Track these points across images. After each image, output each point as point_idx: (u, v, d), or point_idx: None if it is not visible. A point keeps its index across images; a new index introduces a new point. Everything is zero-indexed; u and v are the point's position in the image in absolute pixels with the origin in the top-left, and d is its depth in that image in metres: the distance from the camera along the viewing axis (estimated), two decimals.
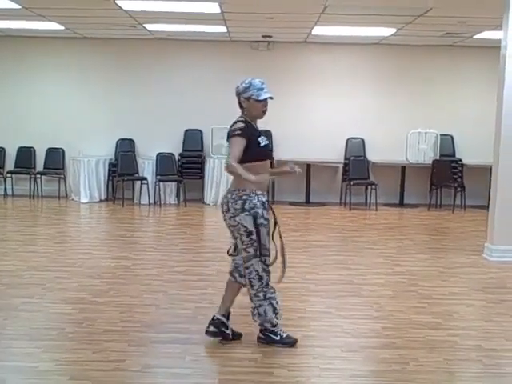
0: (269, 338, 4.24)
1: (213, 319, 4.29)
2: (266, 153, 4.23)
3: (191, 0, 7.55)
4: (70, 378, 3.69)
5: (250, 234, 4.11)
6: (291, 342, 4.24)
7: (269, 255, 4.20)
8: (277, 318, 4.24)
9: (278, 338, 4.24)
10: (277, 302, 4.24)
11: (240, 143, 4.02)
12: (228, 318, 4.32)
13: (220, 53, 11.10)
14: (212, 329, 4.26)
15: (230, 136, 4.12)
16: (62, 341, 4.28)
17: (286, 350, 4.17)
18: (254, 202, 4.09)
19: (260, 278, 4.17)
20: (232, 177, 4.24)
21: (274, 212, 4.29)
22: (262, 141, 4.20)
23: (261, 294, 4.18)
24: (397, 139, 10.78)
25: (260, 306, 4.19)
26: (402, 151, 10.75)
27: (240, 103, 4.25)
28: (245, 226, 4.11)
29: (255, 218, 4.08)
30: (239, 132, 4.06)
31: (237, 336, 4.35)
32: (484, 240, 7.26)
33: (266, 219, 4.15)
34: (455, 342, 4.39)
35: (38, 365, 3.87)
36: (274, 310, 4.22)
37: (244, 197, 4.10)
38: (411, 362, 4.03)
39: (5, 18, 9.19)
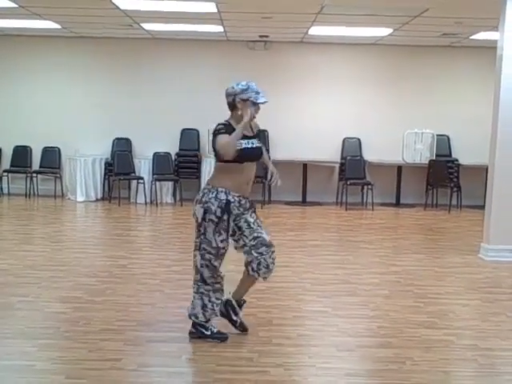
0: (198, 331, 4.28)
1: (226, 302, 4.34)
2: (244, 155, 4.19)
3: (188, 0, 7.55)
4: (66, 376, 3.69)
5: (199, 225, 4.27)
6: (222, 338, 4.27)
7: (213, 254, 4.22)
8: (205, 316, 4.25)
9: (208, 332, 4.27)
10: (210, 301, 4.24)
11: (224, 137, 4.11)
12: (241, 307, 4.39)
13: (217, 52, 11.10)
14: (222, 309, 4.33)
15: (214, 136, 4.23)
16: (58, 340, 4.28)
17: (282, 350, 4.17)
18: (210, 196, 4.19)
19: (197, 271, 4.28)
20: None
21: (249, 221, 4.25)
22: (246, 144, 4.21)
23: (195, 287, 4.30)
24: (393, 139, 10.79)
25: (193, 297, 4.30)
26: (399, 151, 10.77)
27: (234, 104, 4.28)
28: (196, 216, 4.28)
29: (205, 212, 4.19)
30: (223, 130, 4.17)
31: (241, 328, 4.39)
32: (480, 240, 7.28)
33: (218, 217, 4.16)
34: (451, 342, 4.40)
35: (34, 363, 3.86)
36: (203, 307, 4.24)
37: (205, 190, 4.26)
38: (407, 361, 4.04)
39: (1, 17, 9.18)
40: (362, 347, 4.28)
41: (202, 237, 4.26)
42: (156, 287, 5.58)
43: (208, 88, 10.97)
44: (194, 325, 4.30)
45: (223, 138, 4.11)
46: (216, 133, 4.19)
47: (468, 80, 11.15)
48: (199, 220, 4.25)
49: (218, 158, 4.22)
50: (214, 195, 4.19)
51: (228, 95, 4.32)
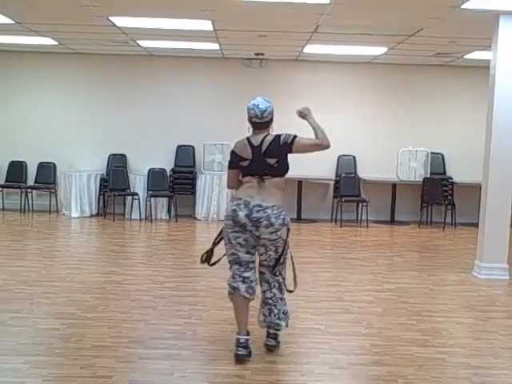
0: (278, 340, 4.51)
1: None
2: None
3: (184, 17, 7.60)
4: None
5: (284, 243, 4.38)
6: None
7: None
8: None
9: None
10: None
11: None
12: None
13: (212, 70, 11.16)
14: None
15: (294, 137, 4.81)
16: (50, 356, 4.26)
17: (274, 367, 4.16)
18: (286, 215, 4.38)
19: (283, 279, 4.57)
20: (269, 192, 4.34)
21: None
22: None
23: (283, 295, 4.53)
24: (388, 157, 10.83)
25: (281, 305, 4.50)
26: (393, 169, 10.81)
27: (272, 120, 4.76)
28: (281, 238, 4.34)
29: (289, 230, 4.42)
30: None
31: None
32: (474, 258, 7.29)
33: None
34: (443, 360, 4.40)
35: (25, 380, 3.84)
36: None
37: (281, 211, 4.33)
38: (399, 379, 4.03)
39: None
40: (354, 365, 4.27)
41: (288, 250, 4.48)
42: (149, 303, 5.57)
43: (204, 105, 11.03)
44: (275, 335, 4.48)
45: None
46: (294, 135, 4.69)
47: (462, 99, 11.22)
48: (284, 239, 4.37)
49: (283, 173, 4.50)
50: (285, 213, 4.36)
51: (270, 113, 4.77)
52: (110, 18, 7.72)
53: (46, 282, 6.23)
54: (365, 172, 11.10)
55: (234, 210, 4.23)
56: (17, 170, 11.07)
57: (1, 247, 8.29)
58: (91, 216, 10.71)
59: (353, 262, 7.85)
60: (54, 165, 11.10)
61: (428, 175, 10.83)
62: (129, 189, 10.74)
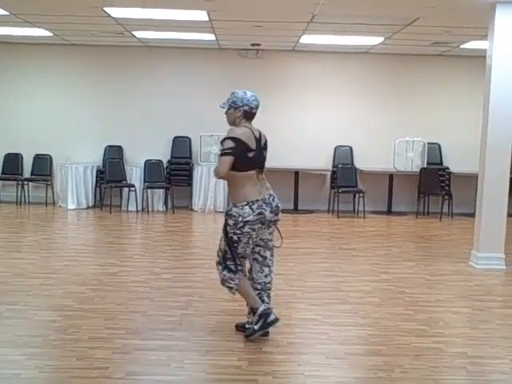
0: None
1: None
2: None
3: (179, 8, 7.57)
4: None
5: None
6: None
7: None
8: None
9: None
10: None
11: None
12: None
13: (209, 60, 11.12)
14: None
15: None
16: (47, 348, 4.26)
17: (271, 358, 4.16)
18: None
19: None
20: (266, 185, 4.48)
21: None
22: None
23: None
24: (384, 147, 10.83)
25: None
26: (390, 159, 10.80)
27: None
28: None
29: None
30: None
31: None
32: (470, 247, 7.30)
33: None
34: (440, 349, 4.40)
35: (21, 372, 3.84)
36: None
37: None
38: (396, 369, 4.03)
39: None
40: (351, 355, 4.27)
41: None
42: (146, 295, 5.56)
43: (200, 96, 10.99)
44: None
45: None
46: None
47: (458, 88, 11.20)
48: None
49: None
50: None
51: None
52: (104, 8, 7.68)
53: (43, 273, 6.22)
54: (362, 163, 11.09)
55: (261, 213, 4.29)
56: (13, 162, 11.04)
57: None
58: (88, 208, 10.69)
59: (350, 252, 7.85)
60: (51, 157, 11.07)
61: (425, 165, 10.83)
62: (125, 180, 10.72)
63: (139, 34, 9.67)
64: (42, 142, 11.02)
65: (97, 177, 10.94)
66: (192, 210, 10.82)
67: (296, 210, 10.94)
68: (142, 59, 11.09)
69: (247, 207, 4.27)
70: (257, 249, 4.46)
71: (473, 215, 7.47)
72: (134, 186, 10.55)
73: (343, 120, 11.19)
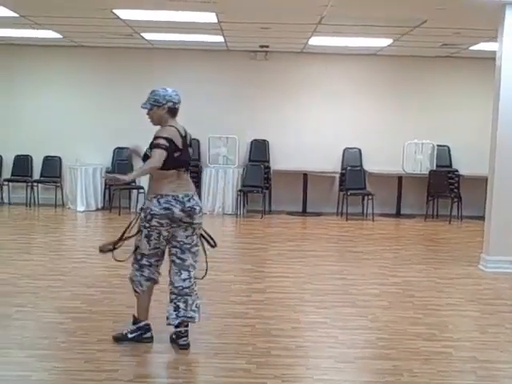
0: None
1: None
2: None
3: (188, 9, 7.56)
4: None
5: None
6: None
7: None
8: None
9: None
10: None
11: None
12: None
13: (217, 62, 11.13)
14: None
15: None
16: (55, 350, 4.27)
17: (280, 361, 4.15)
18: None
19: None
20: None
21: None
22: None
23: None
24: (393, 149, 10.79)
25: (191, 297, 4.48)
26: (399, 162, 10.76)
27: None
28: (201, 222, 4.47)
29: None
30: None
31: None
32: (480, 251, 7.25)
33: None
34: (450, 354, 4.38)
35: (30, 374, 3.85)
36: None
37: None
38: (405, 373, 4.01)
39: (2, 26, 9.21)
40: (360, 359, 4.25)
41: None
42: (154, 297, 5.50)
43: (209, 98, 10.99)
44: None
45: None
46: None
47: (468, 90, 11.15)
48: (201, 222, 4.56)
49: None
50: None
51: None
52: (113, 10, 7.69)
53: (52, 275, 6.23)
54: (370, 165, 11.05)
55: (168, 208, 4.21)
56: (22, 163, 11.08)
57: (7, 241, 8.30)
58: (97, 210, 10.71)
59: (358, 255, 7.83)
60: (60, 159, 11.10)
61: (434, 168, 10.78)
62: (134, 182, 10.72)
63: (148, 35, 9.68)
64: (51, 143, 11.05)
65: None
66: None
67: (304, 212, 10.91)
68: (150, 61, 11.10)
69: (155, 200, 4.23)
70: (173, 250, 4.35)
71: (482, 218, 7.44)
72: (142, 188, 10.54)
73: (352, 122, 11.15)
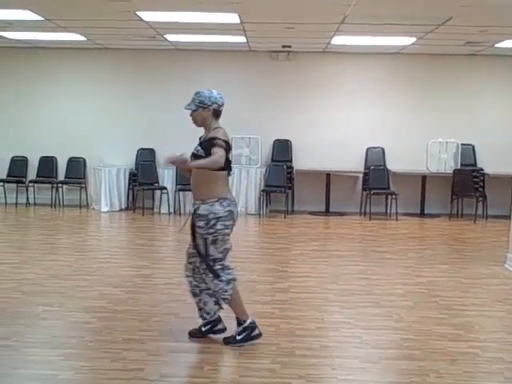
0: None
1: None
2: None
3: (211, 11, 7.60)
4: None
5: None
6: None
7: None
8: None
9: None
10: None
11: None
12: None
13: (240, 63, 11.15)
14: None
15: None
16: (82, 349, 4.31)
17: (304, 361, 4.15)
18: None
19: None
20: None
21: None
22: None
23: None
24: (417, 148, 10.71)
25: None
26: (423, 161, 10.68)
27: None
28: None
29: None
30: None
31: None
32: (506, 250, 7.17)
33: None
34: (476, 354, 4.34)
35: (57, 373, 3.90)
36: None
37: None
38: (431, 373, 3.98)
39: (27, 30, 9.32)
40: (385, 359, 4.23)
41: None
42: (179, 297, 5.58)
43: (231, 98, 10.92)
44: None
45: None
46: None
47: (493, 88, 11.04)
48: None
49: None
50: None
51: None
52: (137, 12, 7.75)
53: (77, 275, 6.30)
54: (394, 164, 10.99)
55: (231, 211, 4.27)
56: (47, 165, 11.21)
57: (33, 242, 8.42)
58: (120, 210, 10.80)
59: (382, 255, 7.79)
60: (84, 160, 11.21)
61: (458, 167, 10.69)
62: (157, 183, 10.81)
63: (171, 37, 9.74)
64: (75, 145, 11.17)
65: (129, 179, 11.05)
66: None
67: (327, 212, 10.89)
68: (173, 62, 11.16)
69: (217, 203, 4.23)
70: None
71: (508, 217, 7.35)
72: (166, 188, 10.62)
73: (375, 121, 11.10)
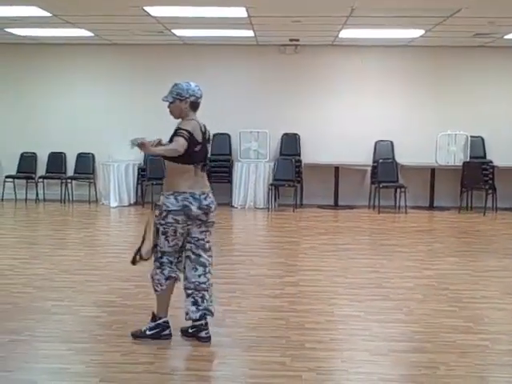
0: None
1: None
2: None
3: (218, 5, 7.59)
4: (100, 380, 3.73)
5: None
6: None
7: None
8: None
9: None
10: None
11: None
12: None
13: (247, 57, 11.14)
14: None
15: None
16: (92, 343, 4.34)
17: (314, 354, 4.15)
18: None
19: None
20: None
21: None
22: None
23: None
24: (426, 141, 10.68)
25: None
26: (432, 153, 10.64)
27: None
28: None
29: None
30: None
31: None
32: None
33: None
34: (486, 347, 4.33)
35: (68, 367, 3.92)
36: None
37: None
38: (441, 366, 3.98)
39: (35, 26, 9.35)
40: (395, 352, 4.23)
41: None
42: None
43: (239, 93, 11.03)
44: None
45: None
46: None
47: (502, 80, 10.98)
48: None
49: None
50: None
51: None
52: (144, 7, 7.75)
53: (87, 270, 6.33)
54: (403, 157, 10.95)
55: (186, 205, 4.19)
56: (56, 161, 11.27)
57: (43, 237, 8.46)
58: (129, 205, 10.83)
59: (392, 248, 7.78)
60: (93, 155, 11.25)
61: (468, 159, 10.64)
62: None
63: (178, 32, 9.74)
64: (84, 140, 11.20)
65: (138, 174, 11.08)
66: (232, 206, 10.86)
67: (336, 205, 10.88)
68: (181, 57, 11.16)
69: (172, 197, 4.19)
70: (188, 246, 4.31)
71: None
72: None
73: (383, 114, 11.07)
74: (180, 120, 4.35)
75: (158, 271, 4.30)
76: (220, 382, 3.86)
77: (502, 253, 7.33)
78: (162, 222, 4.21)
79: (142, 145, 4.15)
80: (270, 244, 8.30)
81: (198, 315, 4.29)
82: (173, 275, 4.32)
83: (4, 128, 11.32)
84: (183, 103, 4.30)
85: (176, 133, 4.19)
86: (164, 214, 4.20)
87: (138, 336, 4.34)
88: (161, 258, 4.30)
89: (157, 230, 4.25)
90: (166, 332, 4.35)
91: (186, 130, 4.17)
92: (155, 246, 4.28)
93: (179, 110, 4.33)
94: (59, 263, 6.59)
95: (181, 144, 4.11)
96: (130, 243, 8.12)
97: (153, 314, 4.39)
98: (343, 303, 5.32)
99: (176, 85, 4.35)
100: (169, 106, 4.39)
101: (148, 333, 4.33)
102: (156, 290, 4.35)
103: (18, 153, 11.24)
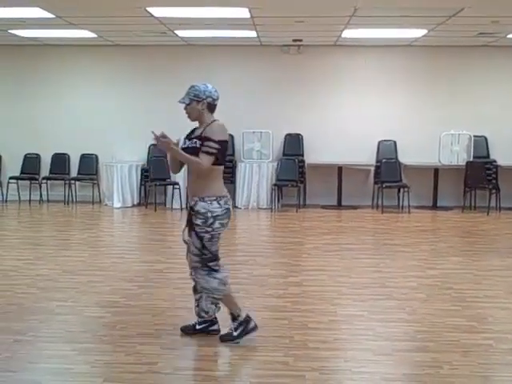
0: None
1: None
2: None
3: (221, 5, 7.60)
4: (104, 380, 3.74)
5: None
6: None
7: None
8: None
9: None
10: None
11: None
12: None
13: (250, 57, 11.15)
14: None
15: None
16: (96, 343, 4.35)
17: (317, 354, 4.15)
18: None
19: None
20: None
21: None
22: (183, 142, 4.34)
23: None
24: (429, 141, 10.67)
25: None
26: (435, 153, 10.63)
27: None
28: None
29: None
30: None
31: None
32: None
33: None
34: (490, 346, 4.32)
35: (72, 367, 3.93)
36: None
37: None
38: (445, 365, 3.98)
39: (38, 27, 9.37)
40: (398, 351, 4.23)
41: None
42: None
43: (242, 93, 11.02)
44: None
45: None
46: None
47: (505, 80, 10.96)
48: None
49: None
50: None
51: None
52: (147, 8, 7.76)
53: (91, 271, 6.34)
54: (406, 157, 10.95)
55: (228, 209, 4.22)
56: (60, 162, 11.28)
57: (46, 238, 8.48)
58: (133, 206, 10.84)
59: (395, 248, 7.77)
60: (96, 156, 11.27)
61: (471, 159, 10.62)
62: (169, 178, 10.83)
63: (181, 32, 9.75)
64: (87, 141, 11.22)
65: (141, 175, 11.09)
66: (235, 206, 10.85)
67: (339, 205, 10.88)
68: (184, 58, 11.18)
69: (215, 202, 4.15)
70: None
71: None
72: (178, 183, 10.65)
73: (387, 114, 11.06)
74: (204, 125, 4.28)
75: (210, 279, 4.22)
76: (224, 382, 3.86)
77: (505, 252, 7.32)
78: (209, 229, 4.14)
79: (165, 143, 4.15)
80: (273, 244, 8.31)
81: (214, 313, 4.43)
82: (225, 278, 4.29)
83: (7, 129, 11.34)
84: (200, 105, 4.26)
85: (206, 150, 4.12)
86: (211, 220, 4.13)
87: (228, 340, 4.30)
88: (213, 265, 4.24)
89: (201, 239, 4.16)
90: (251, 325, 4.32)
91: (218, 143, 4.15)
92: (202, 254, 4.19)
93: (196, 112, 4.28)
94: (63, 264, 6.61)
95: (209, 163, 4.11)
96: (133, 244, 8.17)
97: (231, 314, 4.36)
98: (346, 303, 5.33)
99: (193, 86, 4.31)
100: (185, 108, 4.31)
101: (235, 334, 4.31)
102: (215, 298, 4.33)
103: (22, 154, 11.26)
